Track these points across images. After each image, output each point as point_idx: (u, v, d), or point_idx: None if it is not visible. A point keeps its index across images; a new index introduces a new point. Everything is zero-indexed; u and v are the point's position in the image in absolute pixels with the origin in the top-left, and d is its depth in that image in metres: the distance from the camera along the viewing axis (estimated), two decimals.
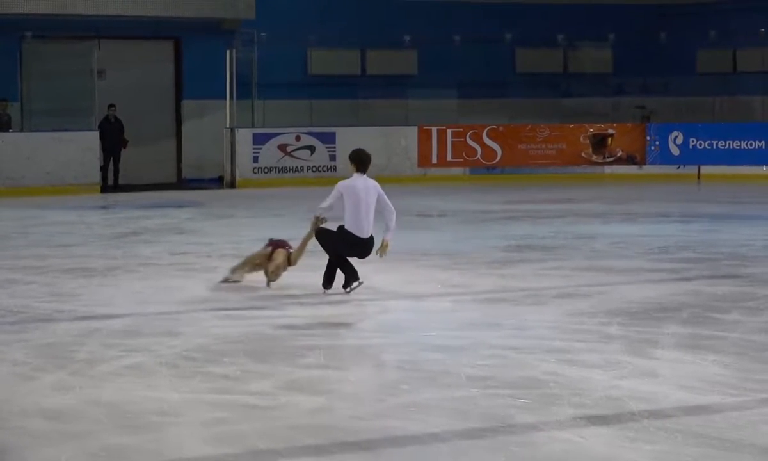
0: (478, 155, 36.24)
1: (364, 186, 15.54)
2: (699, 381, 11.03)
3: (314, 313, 14.40)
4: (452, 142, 36.22)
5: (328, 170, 34.64)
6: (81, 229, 24.79)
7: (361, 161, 15.90)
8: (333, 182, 32.40)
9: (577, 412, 9.92)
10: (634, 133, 37.20)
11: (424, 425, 9.80)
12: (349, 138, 34.17)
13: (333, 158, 34.78)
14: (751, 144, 35.82)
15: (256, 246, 20.99)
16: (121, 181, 33.53)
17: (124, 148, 33.83)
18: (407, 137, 35.25)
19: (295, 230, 19.02)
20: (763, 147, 35.57)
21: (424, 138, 35.63)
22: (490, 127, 36.63)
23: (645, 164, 36.56)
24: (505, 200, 29.54)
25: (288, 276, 16.68)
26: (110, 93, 34.37)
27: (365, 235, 15.39)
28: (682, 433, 9.37)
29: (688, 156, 36.29)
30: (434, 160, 35.65)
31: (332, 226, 15.46)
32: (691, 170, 35.97)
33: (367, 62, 39.00)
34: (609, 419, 9.75)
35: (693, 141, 36.41)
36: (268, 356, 12.27)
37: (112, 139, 33.51)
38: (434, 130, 35.89)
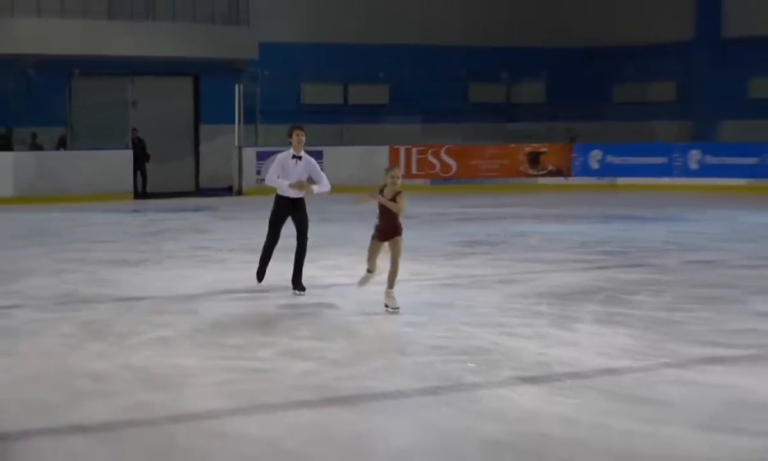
0: (438, 169, 36.28)
1: (287, 155, 15.34)
2: (612, 349, 11.10)
3: (306, 296, 14.43)
4: (417, 158, 36.27)
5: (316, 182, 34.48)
6: (117, 228, 24.75)
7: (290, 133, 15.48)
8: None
9: (514, 374, 9.99)
10: (563, 151, 37.28)
11: (394, 384, 9.89)
12: (334, 156, 34.26)
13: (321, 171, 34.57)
14: (656, 160, 35.93)
15: (261, 243, 21.01)
16: (149, 189, 33.48)
17: (147, 161, 33.81)
18: (381, 154, 35.23)
19: (291, 229, 19.00)
20: (666, 162, 35.69)
21: (394, 155, 35.67)
22: (447, 146, 36.66)
23: (571, 176, 36.64)
24: (459, 205, 29.51)
25: (284, 270, 16.77)
26: (142, 120, 34.39)
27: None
28: (597, 390, 9.47)
29: (606, 169, 36.39)
30: (402, 173, 35.62)
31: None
32: (609, 180, 36.03)
33: (349, 94, 39.05)
34: (539, 379, 9.81)
35: (610, 157, 36.50)
36: (270, 330, 12.34)
37: (137, 155, 33.43)
38: (402, 149, 35.94)
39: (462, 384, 9.81)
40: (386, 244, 13.26)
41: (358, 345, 11.51)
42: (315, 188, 14.82)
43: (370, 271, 13.46)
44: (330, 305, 13.99)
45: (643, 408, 8.88)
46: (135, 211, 29.38)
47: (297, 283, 14.72)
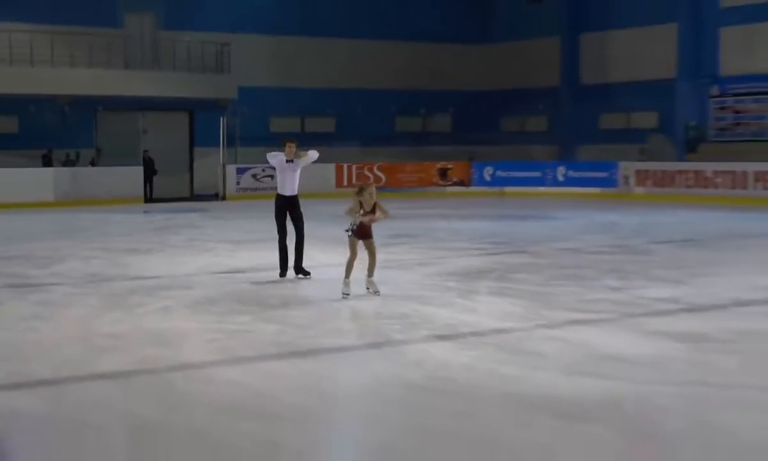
0: (372, 180, 36.20)
1: (281, 158, 14.53)
2: (502, 314, 11.13)
3: (275, 277, 14.32)
4: (356, 172, 36.13)
5: None
6: (131, 225, 24.50)
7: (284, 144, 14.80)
8: None
9: (430, 333, 9.98)
10: (464, 167, 37.20)
11: (342, 342, 9.89)
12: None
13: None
14: (533, 174, 36.08)
15: (240, 236, 20.87)
16: (155, 195, 33.17)
17: (155, 175, 33.56)
18: (329, 170, 35.11)
19: (261, 223, 18.90)
20: (540, 176, 35.80)
21: (339, 171, 35.61)
22: (379, 163, 36.54)
23: (470, 186, 36.64)
24: (388, 207, 29.46)
25: (258, 256, 16.57)
26: (151, 144, 34.19)
27: (293, 192, 14.44)
28: (492, 345, 9.48)
29: (496, 181, 36.38)
30: (345, 183, 35.56)
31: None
32: (498, 189, 36.07)
33: (305, 125, 38.85)
34: (448, 337, 9.79)
35: (499, 172, 36.52)
36: (248, 301, 12.22)
37: (147, 170, 33.23)
38: (345, 166, 35.84)
39: (391, 341, 9.79)
40: (361, 243, 12.68)
41: (316, 313, 11.45)
42: (307, 159, 14.48)
43: (347, 277, 12.43)
44: (293, 282, 13.90)
45: (525, 358, 8.90)
46: (145, 212, 29.13)
47: (299, 268, 14.18)
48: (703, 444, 6.54)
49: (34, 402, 7.79)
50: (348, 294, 12.27)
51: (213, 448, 6.49)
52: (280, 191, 14.38)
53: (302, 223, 14.35)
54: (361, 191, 12.81)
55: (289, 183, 14.32)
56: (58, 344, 9.77)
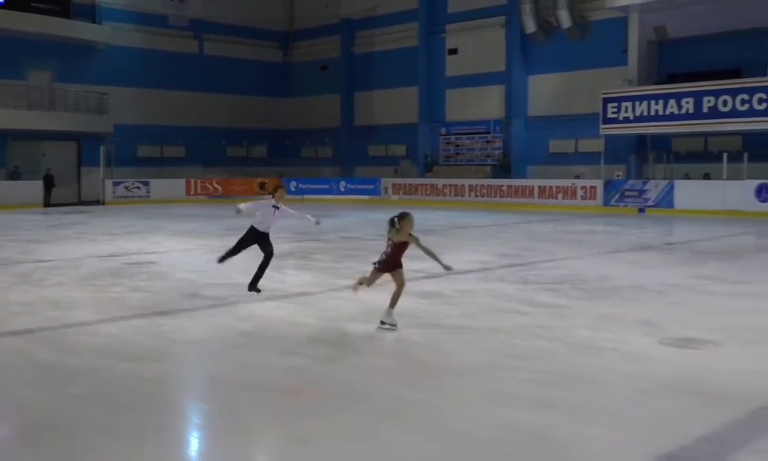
0: (211, 191, 35.37)
1: (268, 203, 10.22)
2: (304, 282, 11.12)
3: (138, 257, 13.73)
4: (201, 185, 35.28)
5: (147, 196, 33.60)
6: (35, 223, 23.00)
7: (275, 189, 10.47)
8: (149, 203, 30.83)
9: (263, 296, 9.85)
10: (277, 182, 36.47)
11: (191, 305, 9.61)
12: (156, 185, 34.13)
13: (148, 192, 33.85)
14: (323, 186, 36.25)
15: (116, 230, 19.91)
16: (53, 201, 31.48)
17: (54, 186, 31.82)
18: (180, 184, 34.22)
19: (131, 221, 18.13)
20: (328, 187, 36.02)
21: (188, 183, 34.66)
22: (216, 179, 35.85)
23: None
24: (222, 210, 28.98)
25: (129, 245, 15.83)
26: (51, 164, 32.62)
27: (267, 231, 10.41)
28: (298, 303, 9.42)
29: (299, 191, 36.16)
30: (192, 192, 34.63)
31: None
32: (300, 197, 35.87)
33: (163, 152, 37.59)
34: (268, 299, 9.69)
35: (301, 185, 36.37)
36: (120, 276, 11.68)
37: (47, 183, 31.52)
38: (192, 180, 34.97)
39: (230, 303, 9.58)
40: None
41: (172, 284, 11.07)
42: (289, 214, 10.73)
43: (361, 283, 8.37)
44: (153, 263, 13.39)
45: (321, 312, 8.91)
46: (45, 214, 27.45)
47: (254, 285, 10.26)
48: (438, 363, 6.74)
49: None
50: (395, 325, 7.96)
51: (98, 381, 6.18)
52: (257, 226, 10.47)
53: (272, 252, 10.43)
54: (395, 222, 8.29)
55: (269, 224, 10.48)
56: None
